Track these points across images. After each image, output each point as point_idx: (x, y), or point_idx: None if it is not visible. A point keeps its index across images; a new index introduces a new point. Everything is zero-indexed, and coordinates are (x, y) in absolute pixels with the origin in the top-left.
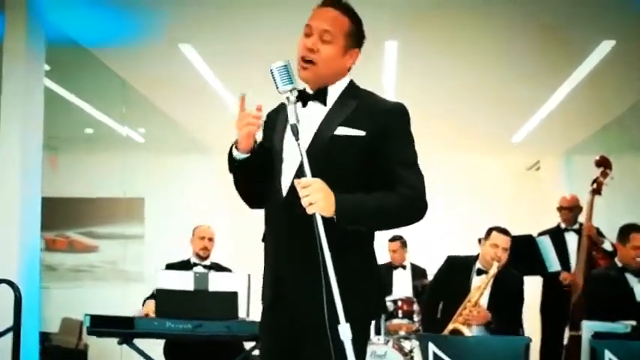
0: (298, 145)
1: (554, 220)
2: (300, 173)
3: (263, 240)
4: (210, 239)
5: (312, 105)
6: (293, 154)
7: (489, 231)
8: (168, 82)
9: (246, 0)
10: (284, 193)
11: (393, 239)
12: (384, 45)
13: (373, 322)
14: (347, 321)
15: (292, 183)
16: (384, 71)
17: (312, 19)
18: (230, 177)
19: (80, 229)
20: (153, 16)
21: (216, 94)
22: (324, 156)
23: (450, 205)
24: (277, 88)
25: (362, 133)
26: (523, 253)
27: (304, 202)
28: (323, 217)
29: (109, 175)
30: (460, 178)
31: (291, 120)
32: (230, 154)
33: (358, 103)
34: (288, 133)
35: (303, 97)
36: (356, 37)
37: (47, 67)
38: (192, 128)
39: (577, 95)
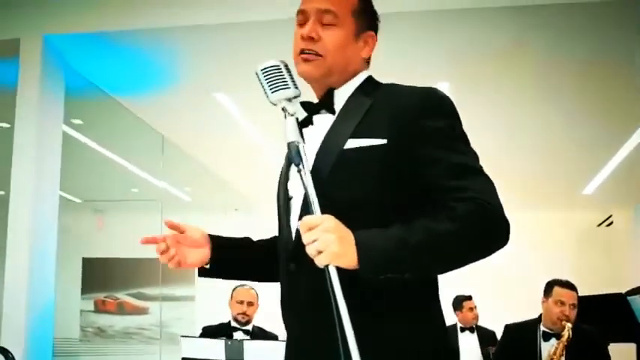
0: (298, 170)
1: (629, 280)
2: (305, 210)
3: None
4: (251, 303)
5: (319, 119)
6: (299, 185)
7: (550, 286)
8: (206, 133)
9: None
10: (293, 238)
11: (467, 297)
12: (436, 86)
13: None
14: None
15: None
16: None
17: (304, 2)
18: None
19: (130, 291)
20: (185, 65)
21: (256, 146)
22: (333, 181)
23: (509, 265)
24: (267, 97)
25: (381, 141)
26: (611, 316)
27: (310, 250)
28: (341, 270)
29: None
30: (520, 236)
31: (290, 137)
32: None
33: (374, 102)
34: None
35: (308, 111)
36: (368, 15)
37: (79, 122)
38: (237, 184)
39: None
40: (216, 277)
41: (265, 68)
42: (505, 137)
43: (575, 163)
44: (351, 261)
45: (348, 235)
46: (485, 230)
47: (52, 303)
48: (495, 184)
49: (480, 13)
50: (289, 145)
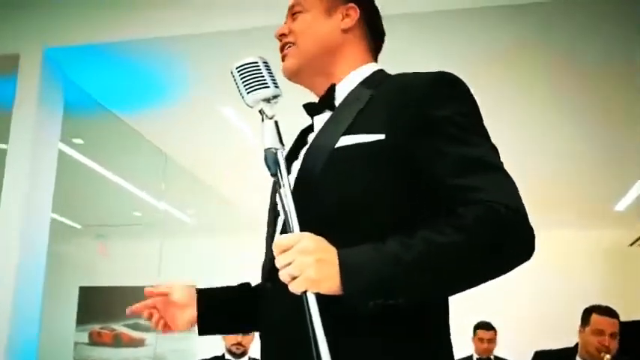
0: (275, 182)
1: None
2: (285, 228)
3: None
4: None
5: (320, 120)
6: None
7: (588, 313)
8: (211, 151)
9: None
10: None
11: (485, 326)
12: None
13: None
14: None
15: None
16: None
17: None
18: None
19: (126, 321)
20: (190, 78)
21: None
22: (322, 184)
23: (532, 287)
24: (243, 99)
25: (379, 136)
26: None
27: (282, 276)
28: (323, 296)
29: (162, 261)
30: (544, 256)
31: (267, 142)
32: None
33: (375, 93)
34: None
35: (311, 113)
36: None
37: (80, 141)
38: (243, 206)
39: None
40: (216, 334)
41: (241, 66)
42: (523, 146)
43: (605, 177)
44: (332, 286)
45: (329, 256)
46: (499, 241)
47: (35, 339)
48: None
49: (477, 13)
50: (265, 152)
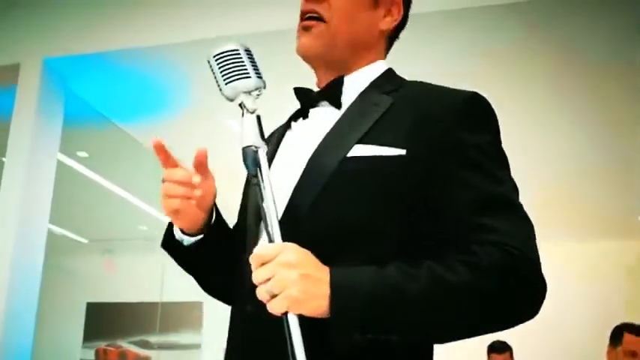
0: (254, 183)
1: None
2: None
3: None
4: None
5: (318, 113)
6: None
7: (619, 332)
8: (217, 164)
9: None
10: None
11: (499, 348)
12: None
13: None
14: None
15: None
16: None
17: None
18: None
19: (133, 338)
20: (195, 88)
21: None
22: (324, 198)
23: (552, 301)
24: (221, 91)
25: (399, 151)
26: None
27: (260, 293)
28: (307, 320)
29: (165, 276)
30: (566, 268)
31: (247, 139)
32: (169, 234)
33: (396, 101)
34: (272, 166)
35: (304, 101)
36: None
37: (85, 154)
38: None
39: None
40: (181, 258)
41: (219, 54)
42: (539, 152)
43: (629, 183)
44: (317, 308)
45: (319, 272)
46: (512, 287)
47: (28, 357)
48: (538, 203)
49: (476, 12)
50: (244, 150)
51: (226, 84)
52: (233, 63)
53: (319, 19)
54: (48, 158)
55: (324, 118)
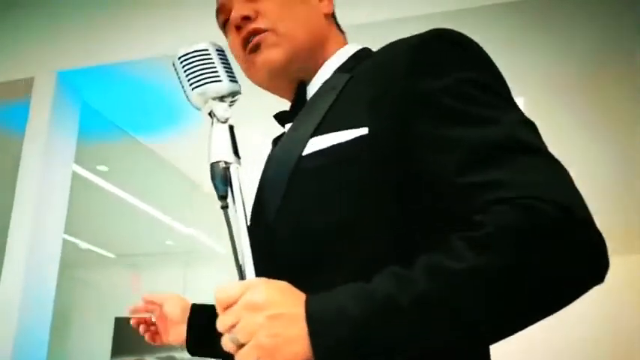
0: (222, 206)
1: None
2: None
3: None
4: None
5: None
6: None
7: None
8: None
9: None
10: None
11: None
12: None
13: None
14: None
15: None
16: None
17: None
18: None
19: (160, 354)
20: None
21: None
22: (287, 207)
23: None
24: (187, 98)
25: (360, 131)
26: None
27: (225, 344)
28: None
29: (193, 290)
30: (616, 284)
31: (215, 155)
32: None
33: (355, 74)
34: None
35: (283, 122)
36: None
37: (104, 168)
38: None
39: None
40: (208, 357)
41: (185, 54)
42: (585, 157)
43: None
44: (297, 353)
45: (294, 308)
46: (532, 257)
47: None
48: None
49: (470, 12)
50: (212, 166)
51: (193, 89)
52: (201, 65)
53: (261, 32)
54: (62, 171)
55: None
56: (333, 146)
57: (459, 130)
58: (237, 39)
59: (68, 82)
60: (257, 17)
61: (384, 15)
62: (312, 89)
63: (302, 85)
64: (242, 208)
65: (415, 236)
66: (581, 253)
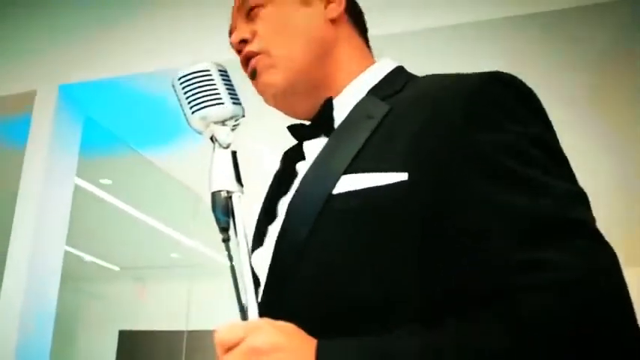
0: (224, 239)
1: None
2: (265, 304)
3: None
4: None
5: (312, 148)
6: (259, 263)
7: None
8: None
9: None
10: None
11: None
12: None
13: None
14: None
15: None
16: None
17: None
18: None
19: None
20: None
21: None
22: (309, 252)
23: None
24: (188, 121)
25: (399, 176)
26: None
27: None
28: None
29: (197, 302)
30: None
31: (217, 183)
32: None
33: (394, 106)
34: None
35: (299, 138)
36: None
37: (108, 181)
38: None
39: None
40: None
41: (185, 76)
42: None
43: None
44: None
45: (300, 354)
46: (569, 348)
47: None
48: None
49: (471, 27)
50: (213, 196)
51: (193, 112)
52: (202, 87)
53: (255, 55)
54: (64, 184)
55: (316, 150)
56: (369, 189)
57: (509, 194)
58: (242, 63)
59: (70, 95)
60: (253, 39)
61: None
62: (340, 108)
63: (329, 101)
64: (244, 241)
65: (441, 293)
66: (615, 338)
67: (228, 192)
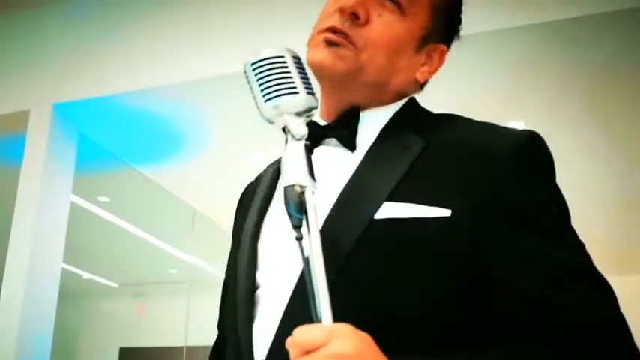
0: (297, 237)
1: None
2: (296, 309)
3: None
4: None
5: (324, 153)
6: (280, 268)
7: None
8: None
9: None
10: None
11: None
12: (508, 125)
13: None
14: None
15: (276, 344)
16: None
17: None
18: None
19: None
20: (212, 126)
21: None
22: (347, 278)
23: None
24: (259, 109)
25: (443, 212)
26: None
27: None
28: None
29: (196, 318)
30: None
31: (291, 177)
32: None
33: (429, 142)
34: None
35: (309, 137)
36: (450, 20)
37: (105, 199)
38: None
39: None
40: None
41: (259, 61)
42: (587, 184)
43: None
44: None
45: None
46: None
47: None
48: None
49: (472, 39)
50: (286, 191)
51: (265, 101)
52: (276, 74)
53: (346, 37)
54: (60, 203)
55: (335, 162)
56: (413, 220)
57: (540, 244)
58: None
59: (64, 113)
60: (363, 24)
61: None
62: (367, 122)
63: (355, 112)
64: (318, 239)
65: (474, 334)
66: None
67: (301, 187)
